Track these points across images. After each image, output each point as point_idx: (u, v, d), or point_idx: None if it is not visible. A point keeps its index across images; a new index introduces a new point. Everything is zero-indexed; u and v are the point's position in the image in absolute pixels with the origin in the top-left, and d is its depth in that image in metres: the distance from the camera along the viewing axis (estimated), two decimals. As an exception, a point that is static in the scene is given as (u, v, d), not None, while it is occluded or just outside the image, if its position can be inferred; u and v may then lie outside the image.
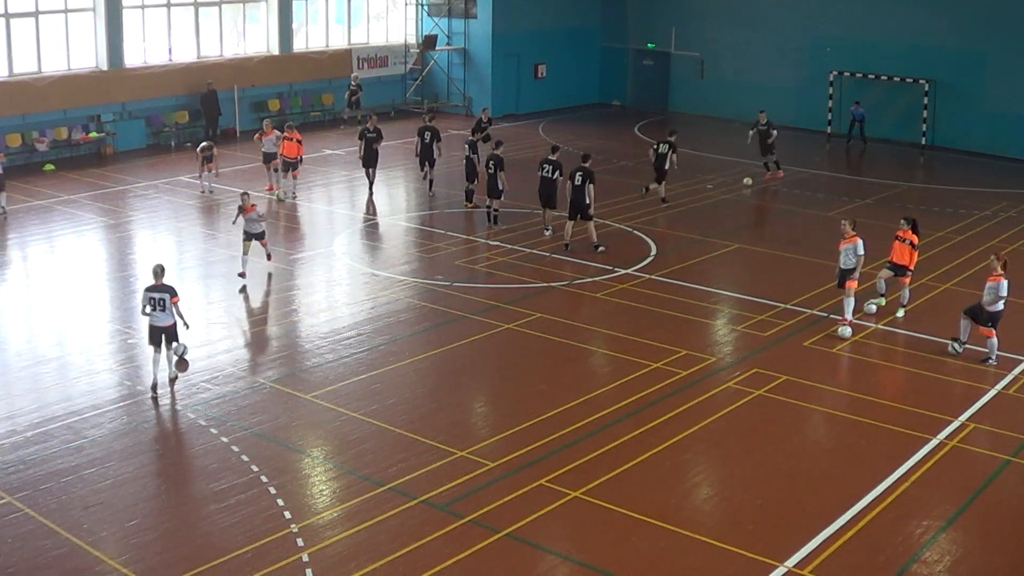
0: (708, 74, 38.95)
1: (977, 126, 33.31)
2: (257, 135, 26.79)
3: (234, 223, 20.75)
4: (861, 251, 17.69)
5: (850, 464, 13.43)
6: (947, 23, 33.64)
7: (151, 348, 15.10)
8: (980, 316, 16.49)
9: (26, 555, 11.13)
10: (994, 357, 16.50)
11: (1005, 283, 16.32)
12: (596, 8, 41.21)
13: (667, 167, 25.95)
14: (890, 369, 16.67)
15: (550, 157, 23.02)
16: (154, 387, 14.98)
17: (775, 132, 28.61)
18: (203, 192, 26.34)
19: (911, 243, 18.28)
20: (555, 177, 22.60)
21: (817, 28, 36.27)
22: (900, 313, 18.43)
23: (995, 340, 16.47)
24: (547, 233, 23.01)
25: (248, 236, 19.91)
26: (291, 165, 25.98)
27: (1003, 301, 16.32)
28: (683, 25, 39.24)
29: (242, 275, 19.83)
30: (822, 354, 17.00)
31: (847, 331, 17.52)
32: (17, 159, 28.79)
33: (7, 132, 28.73)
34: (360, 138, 26.38)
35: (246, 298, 19.29)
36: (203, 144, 26.55)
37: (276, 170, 26.35)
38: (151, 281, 15.18)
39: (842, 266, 17.89)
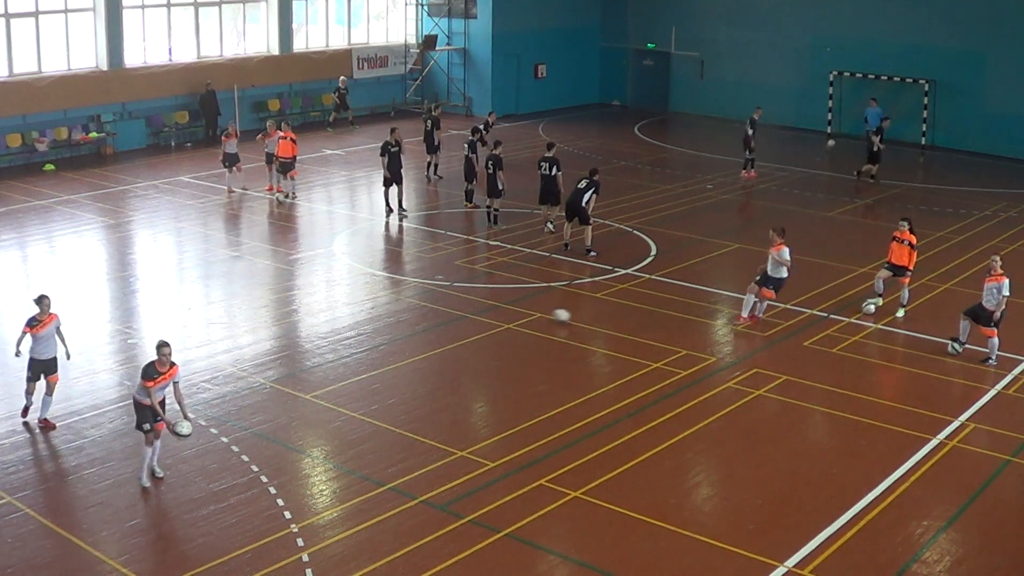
0: (708, 74, 38.94)
1: (977, 126, 33.32)
2: (260, 135, 26.76)
3: (17, 350, 14.14)
4: (787, 258, 17.52)
5: (850, 464, 13.43)
6: (947, 23, 33.65)
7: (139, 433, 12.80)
8: (981, 316, 16.49)
9: (26, 555, 11.13)
10: (994, 357, 16.52)
11: (1007, 282, 16.32)
12: (596, 8, 41.22)
13: (875, 149, 28.57)
14: (890, 369, 16.67)
15: (547, 154, 23.18)
16: (151, 474, 12.70)
17: (752, 131, 28.84)
18: (231, 192, 26.29)
19: (910, 244, 18.27)
20: (554, 173, 22.74)
21: (817, 28, 36.27)
22: (900, 313, 18.42)
23: (996, 340, 16.47)
24: (547, 228, 23.10)
25: (37, 368, 14.02)
26: (288, 166, 25.94)
27: (1004, 300, 16.30)
28: (683, 25, 39.24)
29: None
30: (822, 354, 17.00)
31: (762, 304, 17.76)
32: (17, 159, 28.82)
33: (7, 132, 28.72)
34: (383, 153, 24.31)
35: (246, 298, 19.28)
36: (230, 153, 26.36)
37: (278, 170, 26.38)
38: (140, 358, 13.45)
39: (771, 273, 17.74)
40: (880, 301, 18.62)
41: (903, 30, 34.32)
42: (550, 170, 22.81)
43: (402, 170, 24.63)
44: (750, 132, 28.83)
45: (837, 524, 11.92)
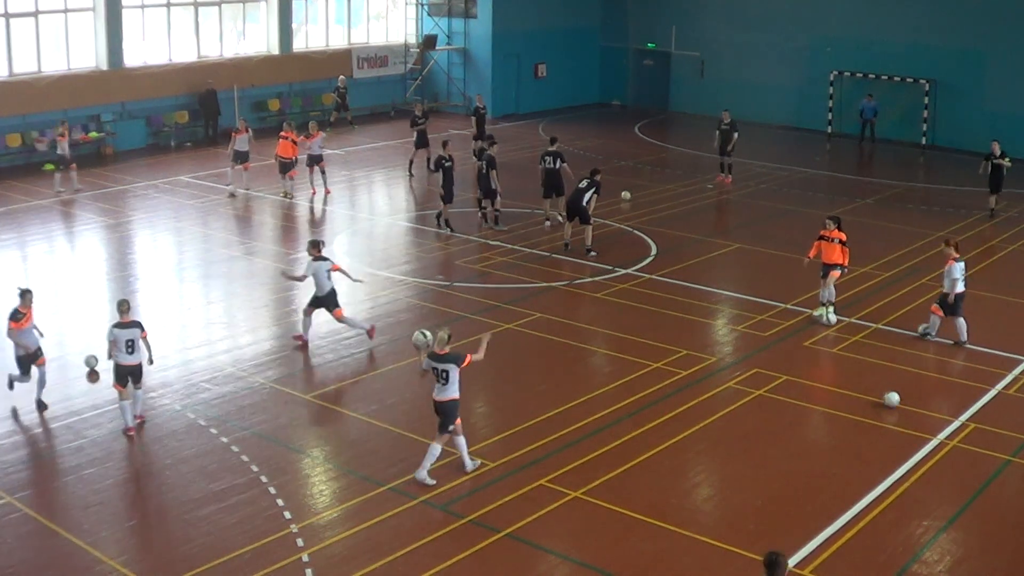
0: (708, 74, 38.94)
1: (977, 126, 33.28)
2: (302, 137, 26.44)
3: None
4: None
5: (850, 464, 13.42)
6: (947, 23, 33.64)
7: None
8: (944, 305, 17.12)
9: (26, 555, 11.13)
10: (964, 337, 16.97)
11: (957, 266, 16.86)
12: (596, 8, 41.21)
13: (1001, 177, 25.28)
14: (890, 369, 16.64)
15: (550, 148, 23.44)
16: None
17: (736, 134, 28.20)
18: (231, 195, 26.16)
19: (840, 241, 18.12)
20: (558, 166, 23.07)
21: (817, 28, 36.26)
22: (832, 315, 18.08)
23: (963, 321, 17.00)
24: (548, 225, 23.17)
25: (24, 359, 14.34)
26: (288, 165, 25.87)
27: (961, 283, 16.92)
28: (683, 25, 39.24)
29: None
30: (822, 354, 17.00)
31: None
32: (17, 159, 28.81)
33: (7, 132, 28.72)
34: (436, 168, 23.05)
35: (246, 298, 19.28)
36: (240, 151, 26.26)
37: (323, 171, 26.28)
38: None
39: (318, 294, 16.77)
40: (824, 310, 18.31)
41: (903, 30, 34.31)
42: (554, 163, 23.09)
43: (454, 187, 23.12)
44: (736, 135, 28.41)
45: (837, 524, 11.92)
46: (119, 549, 11.29)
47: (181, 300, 19.33)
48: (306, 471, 13.13)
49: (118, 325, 13.79)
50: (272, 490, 12.45)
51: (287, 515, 11.91)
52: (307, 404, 14.84)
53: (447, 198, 22.97)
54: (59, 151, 25.90)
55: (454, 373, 12.46)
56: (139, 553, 11.24)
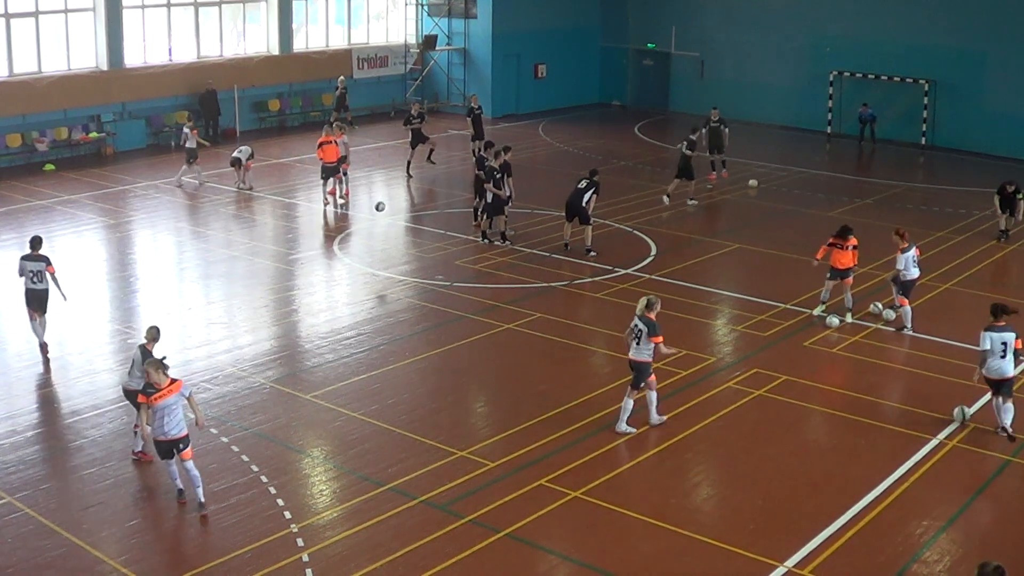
0: (708, 74, 38.93)
1: (977, 126, 33.30)
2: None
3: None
4: None
5: (850, 464, 13.43)
6: (947, 23, 33.63)
7: None
8: (895, 285, 17.76)
9: (26, 555, 11.13)
10: (909, 325, 17.48)
11: (902, 256, 17.39)
12: (596, 8, 41.21)
13: (1015, 203, 23.35)
14: (890, 369, 16.66)
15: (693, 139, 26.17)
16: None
17: (727, 130, 28.33)
18: (243, 187, 26.52)
19: (853, 247, 18.12)
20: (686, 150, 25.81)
21: (817, 28, 36.26)
22: (849, 318, 18.12)
23: (908, 308, 17.48)
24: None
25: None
26: (333, 170, 25.16)
27: (914, 269, 17.56)
28: (683, 25, 39.24)
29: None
30: (822, 354, 17.00)
31: None
32: (17, 159, 28.82)
33: (7, 132, 28.72)
34: (487, 178, 22.02)
35: (246, 298, 19.28)
36: (240, 153, 26.51)
37: (345, 174, 25.96)
38: None
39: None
40: (821, 309, 18.38)
41: (903, 30, 34.30)
42: (691, 148, 25.73)
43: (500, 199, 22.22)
44: (726, 130, 28.48)
45: (837, 524, 11.92)
46: (119, 549, 11.29)
47: (181, 300, 19.33)
48: (306, 471, 13.13)
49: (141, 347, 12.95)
50: (272, 490, 12.45)
51: (287, 515, 11.91)
52: (307, 404, 14.84)
53: (495, 209, 22.26)
54: (189, 145, 26.82)
55: (644, 337, 13.66)
56: (139, 553, 11.23)
